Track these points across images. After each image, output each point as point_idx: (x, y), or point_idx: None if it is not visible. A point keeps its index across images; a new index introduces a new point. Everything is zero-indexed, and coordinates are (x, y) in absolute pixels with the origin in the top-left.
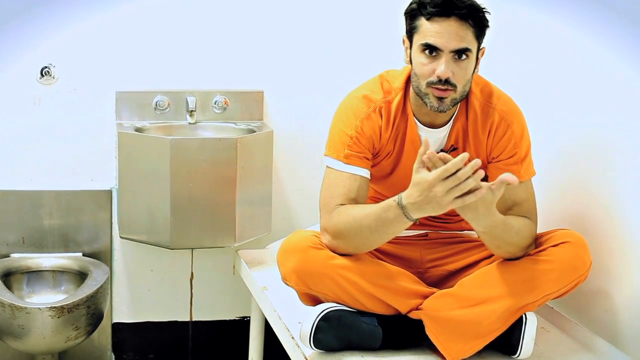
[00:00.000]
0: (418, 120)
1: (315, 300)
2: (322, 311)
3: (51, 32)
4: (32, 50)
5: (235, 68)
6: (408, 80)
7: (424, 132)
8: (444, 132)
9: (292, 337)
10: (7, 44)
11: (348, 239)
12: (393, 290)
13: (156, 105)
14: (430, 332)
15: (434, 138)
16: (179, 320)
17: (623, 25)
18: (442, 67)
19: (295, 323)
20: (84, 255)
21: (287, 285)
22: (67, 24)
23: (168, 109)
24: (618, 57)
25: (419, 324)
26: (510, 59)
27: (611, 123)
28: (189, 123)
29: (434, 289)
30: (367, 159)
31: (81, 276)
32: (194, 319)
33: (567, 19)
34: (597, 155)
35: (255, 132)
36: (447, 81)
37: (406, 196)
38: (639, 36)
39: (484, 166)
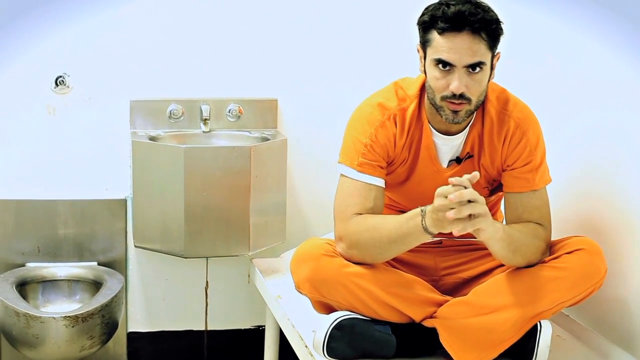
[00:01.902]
0: (433, 128)
1: (328, 309)
2: (336, 319)
3: (66, 42)
4: (47, 60)
5: (249, 76)
6: (423, 88)
7: (439, 140)
8: (459, 139)
9: (306, 346)
10: (22, 54)
11: (365, 248)
12: (407, 299)
13: (170, 113)
14: (444, 340)
15: (449, 145)
16: (194, 329)
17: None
18: (455, 83)
19: (309, 332)
20: (98, 264)
21: (301, 293)
22: (81, 33)
23: (182, 118)
24: (632, 67)
25: (432, 332)
26: (529, 66)
27: (628, 130)
28: (203, 131)
29: (448, 297)
30: (381, 168)
31: (96, 285)
32: (209, 328)
33: (588, 27)
34: (612, 162)
35: (269, 140)
36: (461, 95)
37: (428, 212)
38: None
39: (499, 173)
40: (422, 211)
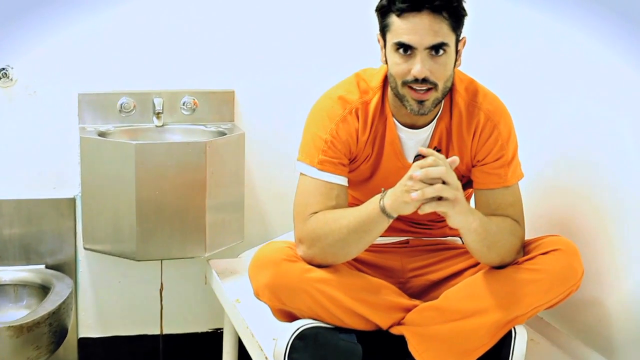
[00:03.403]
0: (398, 121)
1: (290, 317)
2: (298, 329)
3: (8, 32)
4: None
5: (204, 67)
6: (386, 79)
7: (405, 134)
8: (426, 133)
9: (266, 357)
10: None
11: (326, 244)
12: (373, 304)
13: (121, 107)
14: (413, 348)
15: (415, 140)
16: (148, 333)
17: (618, 25)
18: (417, 66)
19: (270, 340)
20: (47, 267)
21: (260, 300)
22: (25, 23)
23: (134, 111)
24: (610, 58)
25: (401, 340)
26: (499, 56)
27: (603, 123)
28: (156, 126)
29: (417, 302)
30: (343, 165)
31: (44, 290)
32: (164, 332)
33: (561, 17)
34: (587, 156)
35: (225, 134)
36: (425, 80)
37: (389, 192)
38: (634, 36)
39: (468, 169)
40: (383, 191)
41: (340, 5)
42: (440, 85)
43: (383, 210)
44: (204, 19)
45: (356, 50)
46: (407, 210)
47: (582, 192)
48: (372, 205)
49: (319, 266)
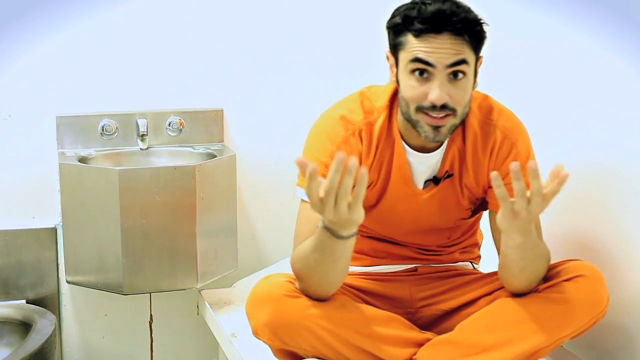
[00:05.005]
0: (406, 144)
1: (293, 356)
2: None
3: None
4: None
5: (190, 84)
6: (393, 98)
7: (414, 158)
8: (437, 156)
9: None
10: None
11: (306, 277)
12: (382, 340)
13: (103, 130)
14: None
15: (426, 164)
16: None
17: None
18: (435, 92)
19: None
20: (27, 302)
21: (259, 339)
22: None
23: (116, 134)
24: (631, 71)
25: None
26: (512, 70)
27: (625, 135)
28: (141, 149)
29: (429, 335)
30: None
31: (25, 327)
32: None
33: (577, 27)
34: (605, 175)
35: (215, 156)
36: (443, 106)
37: None
38: None
39: (485, 191)
40: (322, 220)
41: (337, 18)
42: (459, 111)
43: (327, 229)
44: (189, 34)
45: (355, 63)
46: (353, 225)
47: (601, 209)
48: (318, 229)
49: (319, 299)
